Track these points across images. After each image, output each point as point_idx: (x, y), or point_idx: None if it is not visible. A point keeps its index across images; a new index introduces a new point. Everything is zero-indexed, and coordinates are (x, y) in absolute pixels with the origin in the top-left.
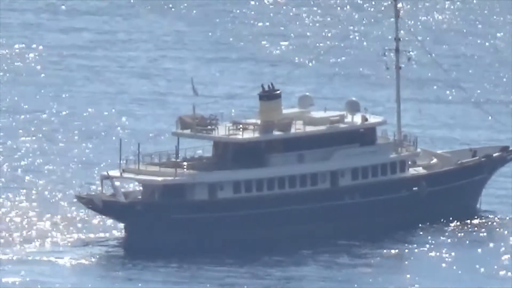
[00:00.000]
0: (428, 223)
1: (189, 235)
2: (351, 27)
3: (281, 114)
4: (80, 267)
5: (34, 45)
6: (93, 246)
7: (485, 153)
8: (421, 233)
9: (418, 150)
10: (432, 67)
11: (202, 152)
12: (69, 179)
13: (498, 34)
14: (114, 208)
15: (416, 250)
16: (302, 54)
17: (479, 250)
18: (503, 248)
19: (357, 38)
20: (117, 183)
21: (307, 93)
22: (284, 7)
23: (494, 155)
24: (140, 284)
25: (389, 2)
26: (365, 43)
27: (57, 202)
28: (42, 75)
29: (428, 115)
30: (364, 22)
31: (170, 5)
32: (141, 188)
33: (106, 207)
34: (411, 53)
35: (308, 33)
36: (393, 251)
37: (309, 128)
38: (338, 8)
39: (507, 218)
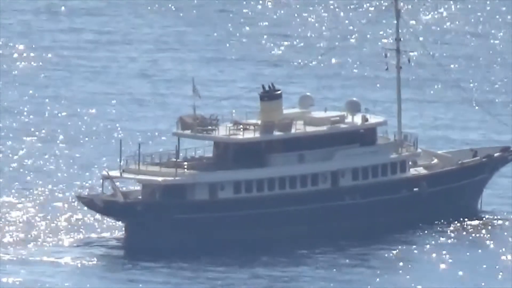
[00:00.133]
0: (428, 224)
1: (189, 235)
2: (352, 27)
3: (282, 114)
4: (80, 268)
5: (34, 45)
6: (93, 246)
7: (486, 153)
8: (421, 233)
9: (419, 150)
10: (433, 67)
11: (203, 152)
12: (69, 179)
13: (499, 34)
14: (115, 208)
15: (416, 251)
16: (303, 54)
17: (480, 250)
18: (504, 249)
19: (357, 38)
20: (116, 183)
21: (308, 93)
22: (284, 7)
23: (495, 155)
24: (140, 285)
25: (390, 2)
26: (365, 44)
27: (58, 202)
28: (42, 75)
29: (428, 115)
30: (364, 22)
31: (170, 5)
32: (141, 188)
33: (107, 207)
34: (411, 53)
35: (308, 33)
36: (393, 251)
37: (310, 128)
38: (339, 8)
39: (508, 218)
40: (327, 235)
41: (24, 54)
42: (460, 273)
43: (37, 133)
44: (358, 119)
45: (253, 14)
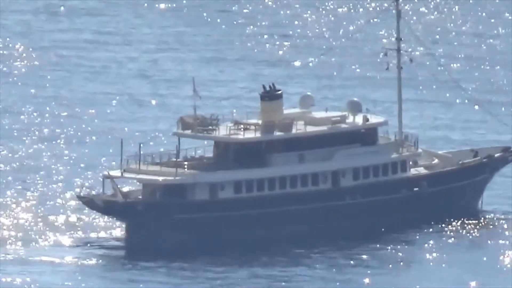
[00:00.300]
0: (429, 224)
1: (189, 235)
2: (352, 27)
3: (282, 114)
4: (81, 267)
5: (33, 45)
6: (93, 246)
7: (486, 154)
8: (422, 233)
9: (419, 150)
10: (433, 67)
11: (203, 152)
12: (69, 179)
13: (499, 34)
14: (115, 208)
15: (416, 251)
16: (303, 54)
17: (480, 250)
18: (505, 249)
19: (358, 38)
20: (116, 183)
21: (309, 93)
22: (284, 7)
23: (496, 155)
24: (140, 285)
25: (390, 2)
26: (366, 43)
27: (58, 202)
28: (42, 75)
29: (428, 115)
30: (365, 22)
31: (170, 5)
32: (141, 188)
33: (107, 207)
34: (412, 53)
35: (309, 33)
36: (393, 251)
37: (310, 128)
38: (339, 8)
39: (509, 218)
40: (327, 235)
41: (24, 54)
42: (460, 273)
43: (37, 133)
44: (359, 119)
45: (253, 14)
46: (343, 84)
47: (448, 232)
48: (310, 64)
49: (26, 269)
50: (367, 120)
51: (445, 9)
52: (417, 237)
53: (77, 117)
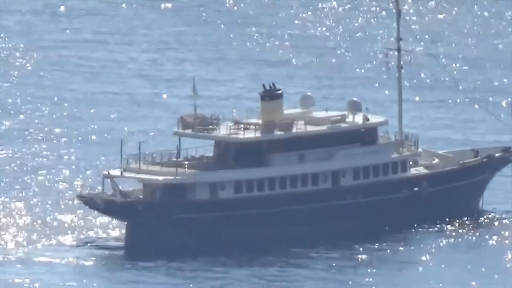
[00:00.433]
0: (429, 223)
1: (190, 234)
2: (352, 27)
3: (283, 114)
4: (80, 267)
5: (34, 45)
6: (93, 246)
7: (487, 154)
8: (422, 233)
9: (420, 150)
10: (433, 67)
11: (204, 151)
12: (70, 178)
13: (499, 34)
14: (115, 208)
15: (417, 250)
16: (304, 54)
17: (480, 250)
18: (505, 249)
19: (358, 38)
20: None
21: (309, 93)
22: (284, 7)
23: (496, 155)
24: (140, 285)
25: (391, 2)
26: (366, 43)
27: (58, 202)
28: (42, 75)
29: (428, 115)
30: (365, 22)
31: (170, 5)
32: (142, 187)
33: (107, 206)
34: (412, 53)
35: (309, 33)
36: (394, 251)
37: (311, 128)
38: (340, 8)
39: (509, 218)
40: (327, 235)
41: (24, 54)
42: (460, 273)
43: (37, 133)
44: (359, 119)
45: (253, 14)
46: (343, 84)
47: (448, 232)
48: (310, 64)
49: (26, 269)
50: (367, 119)
51: (445, 9)
52: (417, 237)
53: (77, 117)
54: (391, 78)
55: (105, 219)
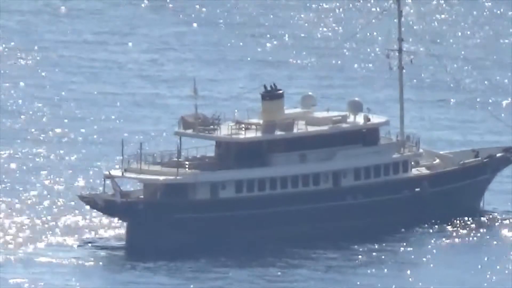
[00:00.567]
0: (430, 224)
1: (190, 234)
2: (354, 27)
3: (284, 114)
4: (81, 267)
5: (34, 46)
6: (93, 246)
7: (487, 154)
8: (423, 233)
9: (421, 150)
10: (434, 67)
11: (204, 151)
12: (70, 179)
13: (499, 34)
14: (116, 208)
15: (417, 250)
16: (304, 54)
17: (481, 250)
18: (506, 249)
19: (359, 38)
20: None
21: (310, 93)
22: (284, 7)
23: (497, 155)
24: (141, 285)
25: (392, 2)
26: (367, 43)
27: (59, 202)
28: (42, 75)
29: (428, 116)
30: (366, 22)
31: (170, 5)
32: (143, 187)
33: (108, 206)
34: (413, 53)
35: (310, 33)
36: (394, 251)
37: (312, 128)
38: (341, 8)
39: (510, 218)
40: (328, 235)
41: (24, 54)
42: (460, 273)
43: (37, 133)
44: (360, 119)
45: (253, 14)
46: (344, 84)
47: (449, 232)
48: (311, 64)
49: (27, 269)
50: (369, 120)
51: (446, 10)
52: (418, 237)
53: (78, 117)
54: (392, 78)
55: (106, 219)
